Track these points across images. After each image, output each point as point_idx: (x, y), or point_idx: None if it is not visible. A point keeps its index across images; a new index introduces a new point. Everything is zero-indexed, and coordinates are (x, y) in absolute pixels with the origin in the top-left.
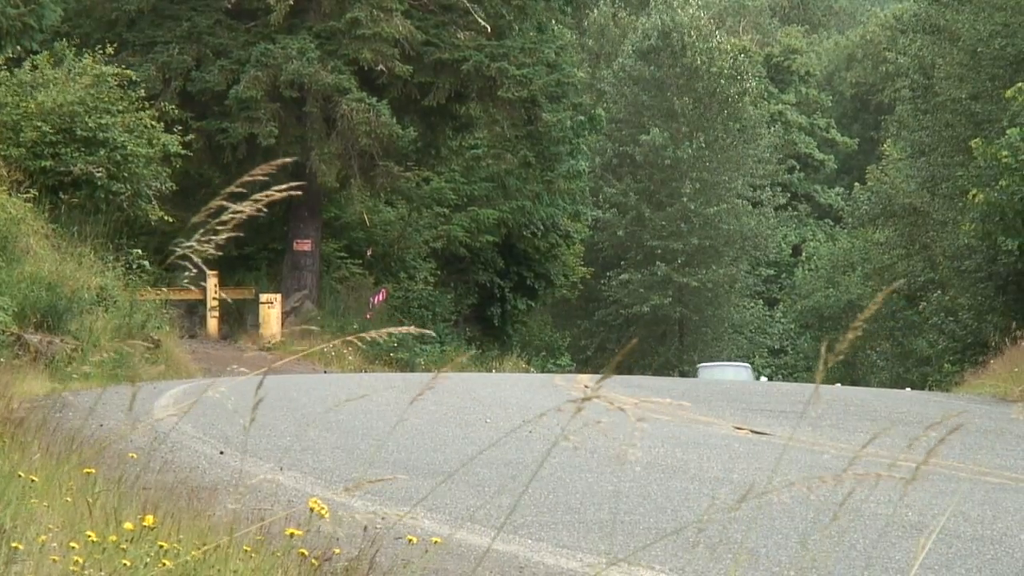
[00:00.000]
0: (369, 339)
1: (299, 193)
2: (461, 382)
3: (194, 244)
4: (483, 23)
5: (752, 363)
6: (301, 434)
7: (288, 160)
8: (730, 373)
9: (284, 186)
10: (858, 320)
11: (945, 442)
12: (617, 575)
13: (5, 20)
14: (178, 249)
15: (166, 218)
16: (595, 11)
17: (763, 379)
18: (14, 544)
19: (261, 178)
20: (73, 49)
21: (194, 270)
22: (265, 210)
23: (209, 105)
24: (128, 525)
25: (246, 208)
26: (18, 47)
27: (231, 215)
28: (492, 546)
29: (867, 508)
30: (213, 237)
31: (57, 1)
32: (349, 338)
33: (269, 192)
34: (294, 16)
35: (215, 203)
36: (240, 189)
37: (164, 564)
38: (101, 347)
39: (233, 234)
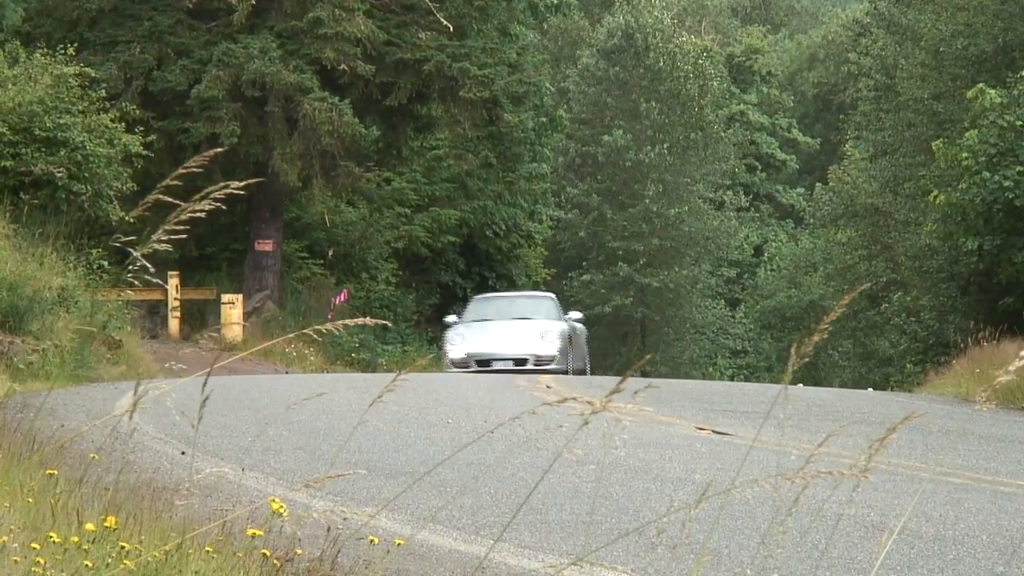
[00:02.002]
0: (325, 331)
1: (244, 192)
2: (423, 383)
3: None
4: (445, 23)
5: (715, 363)
6: (262, 434)
7: (218, 151)
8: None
9: (219, 186)
10: (823, 323)
11: (907, 442)
12: (578, 575)
13: None
14: (130, 249)
15: (127, 218)
16: (556, 14)
17: (579, 327)
18: None
19: (197, 170)
20: (28, 49)
21: (145, 269)
22: (214, 204)
23: (170, 105)
24: (90, 526)
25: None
26: None
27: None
28: (454, 546)
29: (829, 508)
30: (164, 237)
31: (18, 1)
32: (307, 331)
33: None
34: (256, 16)
35: (151, 197)
36: (175, 182)
37: (126, 564)
38: (62, 348)
39: (180, 230)
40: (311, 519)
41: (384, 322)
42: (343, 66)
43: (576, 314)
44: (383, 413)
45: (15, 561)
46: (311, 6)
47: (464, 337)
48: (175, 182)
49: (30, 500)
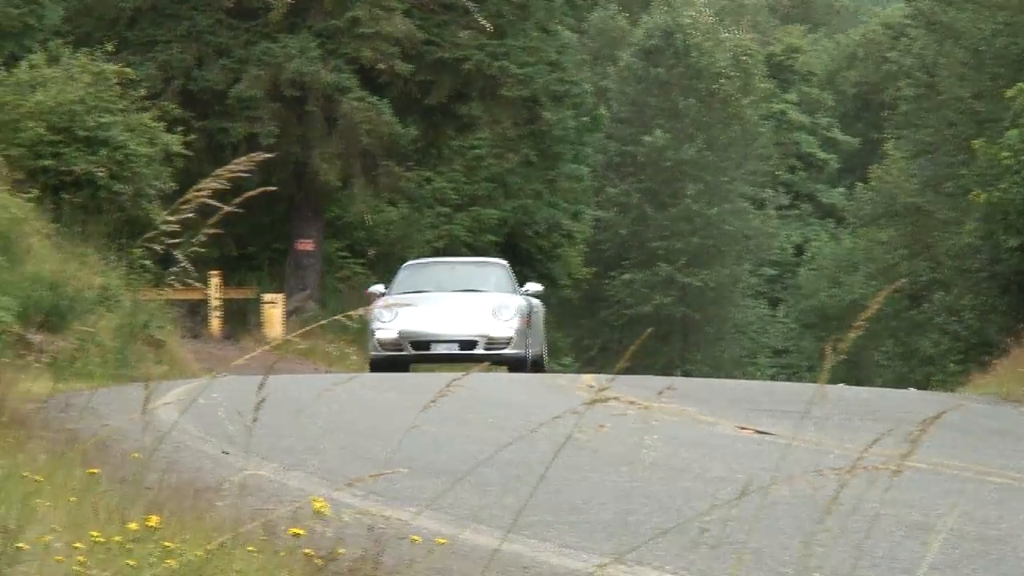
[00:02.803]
0: (356, 317)
1: (284, 192)
2: (465, 382)
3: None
4: (484, 22)
5: (756, 363)
6: (305, 434)
7: (263, 157)
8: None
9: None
10: (860, 319)
11: (949, 441)
12: (621, 574)
13: (6, 19)
14: (175, 254)
15: (168, 219)
16: (595, 12)
17: (537, 304)
18: (18, 544)
19: (243, 174)
20: (68, 48)
21: (186, 272)
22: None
23: (210, 104)
24: (132, 525)
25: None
26: (18, 46)
27: (196, 196)
28: (496, 546)
29: (869, 507)
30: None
31: (58, 0)
32: (338, 317)
33: (229, 170)
34: (295, 15)
35: (191, 195)
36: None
37: (168, 564)
38: (104, 347)
39: (218, 232)
40: (353, 518)
41: (441, 325)
42: (382, 65)
43: (534, 286)
44: (425, 412)
45: (58, 560)
46: (350, 5)
47: (395, 313)
48: (216, 184)
49: (72, 499)
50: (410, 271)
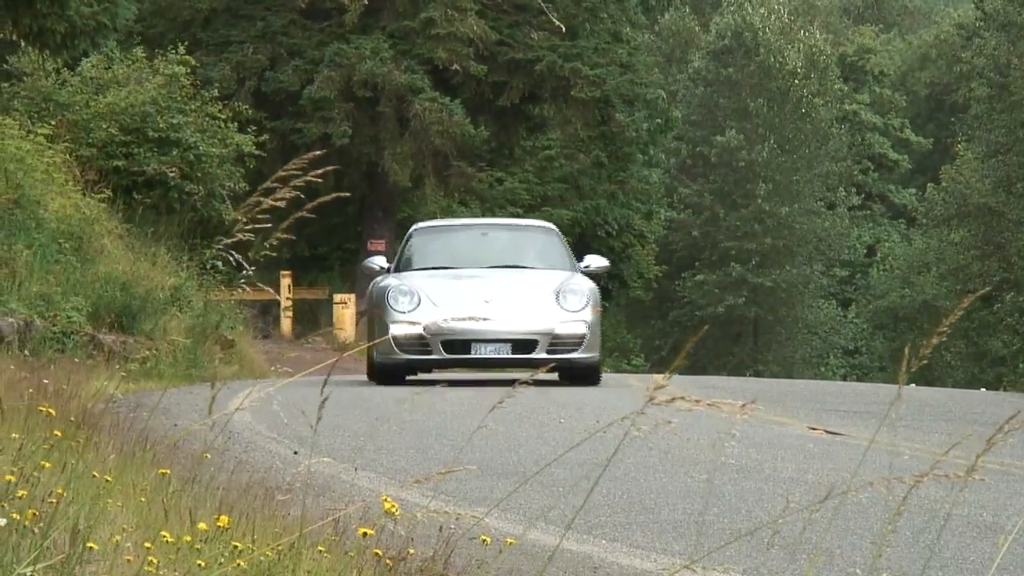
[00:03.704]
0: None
1: (356, 192)
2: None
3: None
4: (557, 23)
5: (827, 363)
6: (375, 434)
7: (319, 153)
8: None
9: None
10: (941, 327)
11: (1021, 442)
12: (688, 574)
13: (80, 19)
14: (238, 258)
15: (238, 218)
16: (668, 14)
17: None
18: (89, 544)
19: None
20: (141, 48)
21: (249, 275)
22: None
23: (283, 105)
24: (202, 525)
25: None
26: (91, 45)
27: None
28: (566, 546)
29: (941, 509)
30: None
31: (131, 0)
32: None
33: (302, 176)
34: (368, 16)
35: (253, 199)
36: (286, 189)
37: (238, 564)
38: (175, 347)
39: (288, 237)
40: (423, 518)
41: (485, 317)
42: (455, 66)
43: (597, 260)
44: (495, 412)
45: (128, 560)
46: (423, 6)
47: (416, 299)
48: (288, 190)
49: (143, 499)
50: (423, 237)
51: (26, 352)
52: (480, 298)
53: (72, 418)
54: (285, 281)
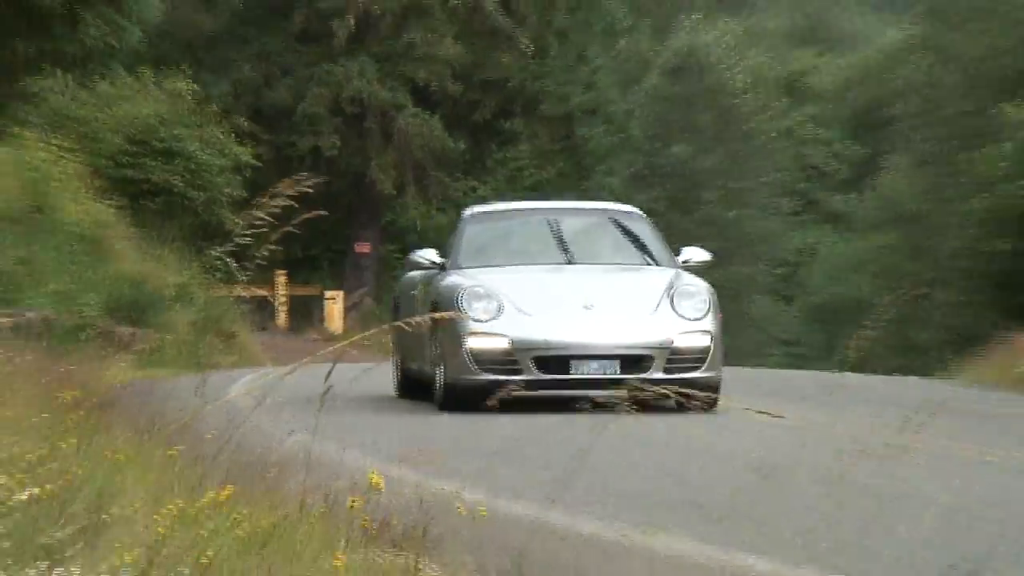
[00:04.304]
0: (414, 324)
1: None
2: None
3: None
4: (526, 46)
5: (769, 354)
6: (362, 416)
7: (306, 175)
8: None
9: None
10: (875, 322)
11: (939, 424)
12: (640, 537)
13: (91, 41)
14: (228, 261)
15: (237, 222)
16: (625, 39)
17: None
18: (105, 515)
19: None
20: (149, 68)
21: (249, 274)
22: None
23: (278, 119)
24: (207, 498)
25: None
26: (103, 67)
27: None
28: (537, 517)
29: (873, 484)
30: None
31: (136, 24)
32: (398, 323)
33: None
34: (355, 39)
35: (257, 213)
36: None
37: (239, 532)
38: (180, 339)
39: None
40: (405, 491)
41: (462, 315)
42: (434, 85)
43: (699, 253)
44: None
45: (142, 528)
46: (405, 30)
47: (498, 307)
48: (281, 200)
49: (153, 475)
50: (481, 225)
51: (46, 344)
52: (578, 303)
53: (88, 403)
54: (280, 279)
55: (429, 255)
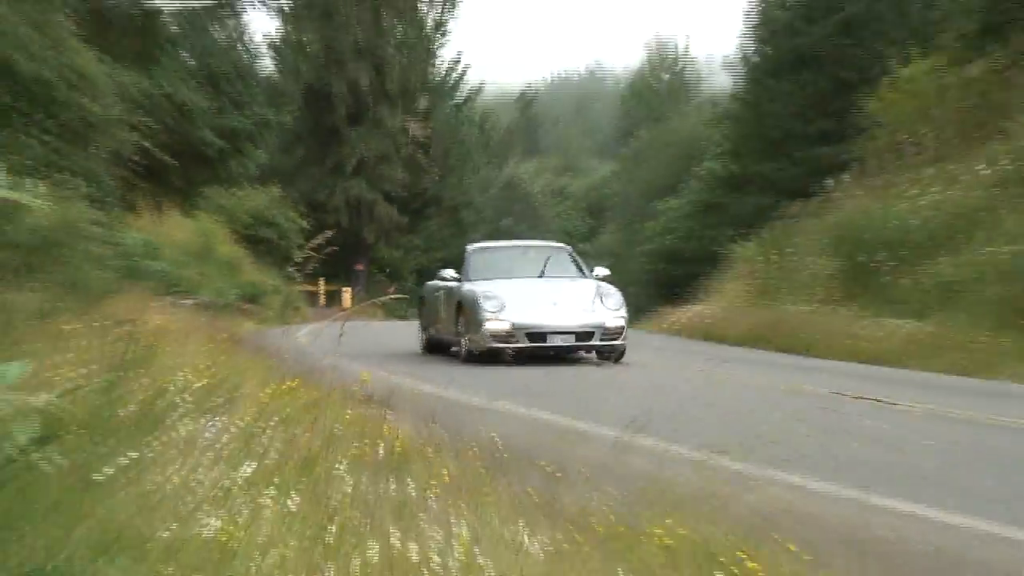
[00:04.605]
0: (386, 301)
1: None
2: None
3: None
4: (436, 173)
5: None
6: (367, 345)
7: (329, 234)
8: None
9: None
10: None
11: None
12: (510, 406)
13: (233, 169)
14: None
15: (299, 254)
16: (482, 169)
17: None
18: (236, 393)
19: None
20: (262, 185)
21: (302, 278)
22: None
23: (319, 207)
24: (286, 385)
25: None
26: (234, 185)
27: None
28: (442, 394)
29: (636, 380)
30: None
31: (253, 162)
32: (376, 301)
33: (319, 243)
34: (355, 170)
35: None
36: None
37: (301, 401)
38: (275, 310)
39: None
40: (382, 382)
41: (403, 296)
42: (393, 192)
43: (602, 270)
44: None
45: (255, 399)
46: (380, 164)
47: (502, 304)
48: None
49: (261, 374)
50: (481, 255)
51: (211, 313)
52: (549, 301)
53: (231, 340)
54: (321, 281)
55: (450, 274)
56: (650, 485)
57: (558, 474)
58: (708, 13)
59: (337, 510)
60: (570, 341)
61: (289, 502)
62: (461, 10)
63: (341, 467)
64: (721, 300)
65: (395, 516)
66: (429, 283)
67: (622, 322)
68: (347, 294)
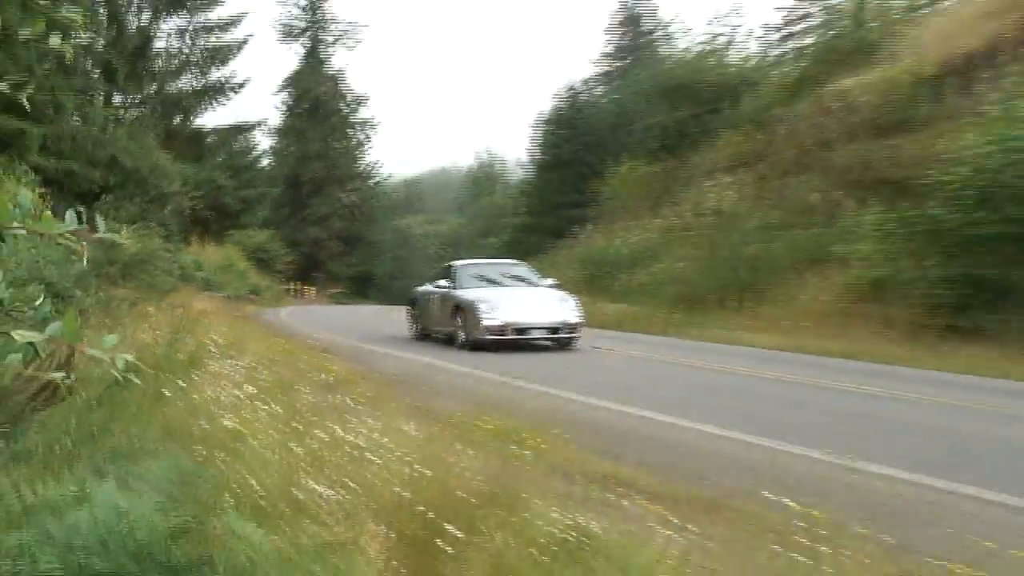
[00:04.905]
0: (332, 294)
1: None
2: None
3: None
4: (363, 222)
5: None
6: (320, 319)
7: (290, 258)
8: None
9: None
10: None
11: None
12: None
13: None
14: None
15: (281, 265)
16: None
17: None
18: (244, 345)
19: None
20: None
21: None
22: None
23: (296, 241)
24: (276, 343)
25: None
26: None
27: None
28: (386, 352)
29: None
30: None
31: (262, 210)
32: (329, 292)
33: (289, 261)
34: (318, 222)
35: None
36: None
37: (284, 350)
38: (268, 299)
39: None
40: (337, 342)
41: (342, 291)
42: (337, 235)
43: (550, 280)
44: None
45: (255, 350)
46: (330, 218)
47: (495, 305)
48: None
49: (260, 336)
50: (468, 269)
51: (231, 300)
52: (528, 305)
53: (241, 316)
54: (297, 283)
55: (443, 284)
56: (480, 397)
57: (427, 391)
58: (514, 130)
59: (301, 412)
60: (545, 334)
61: (275, 407)
62: (379, 128)
63: (305, 388)
64: None
65: (336, 416)
66: (419, 289)
67: (580, 319)
68: (310, 291)
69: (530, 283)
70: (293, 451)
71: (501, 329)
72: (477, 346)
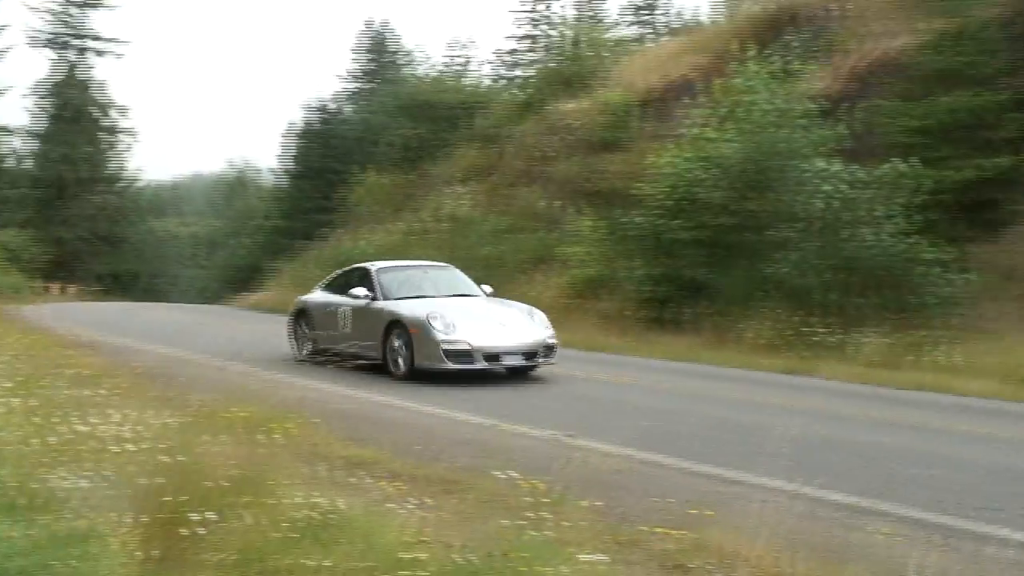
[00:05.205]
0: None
1: None
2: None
3: None
4: (123, 223)
5: None
6: (78, 315)
7: (47, 257)
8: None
9: None
10: None
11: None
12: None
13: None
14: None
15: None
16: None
17: None
18: (2, 341)
19: None
20: None
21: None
22: None
23: (59, 239)
24: (31, 337)
25: None
26: None
27: None
28: (123, 343)
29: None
30: None
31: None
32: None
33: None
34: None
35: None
36: None
37: (39, 346)
38: (20, 295)
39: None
40: (87, 335)
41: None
42: (96, 236)
43: (488, 288)
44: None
45: (13, 344)
46: (91, 220)
47: (451, 325)
48: None
49: (15, 330)
50: (388, 274)
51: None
52: (496, 323)
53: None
54: (60, 281)
55: (362, 292)
56: (233, 387)
57: (185, 383)
58: (266, 137)
59: (60, 404)
60: (519, 360)
61: (32, 401)
62: (139, 135)
63: (62, 382)
64: (276, 288)
65: (93, 408)
66: (310, 298)
67: (555, 341)
68: (69, 289)
69: (470, 292)
70: (48, 443)
71: (469, 355)
72: (425, 375)
